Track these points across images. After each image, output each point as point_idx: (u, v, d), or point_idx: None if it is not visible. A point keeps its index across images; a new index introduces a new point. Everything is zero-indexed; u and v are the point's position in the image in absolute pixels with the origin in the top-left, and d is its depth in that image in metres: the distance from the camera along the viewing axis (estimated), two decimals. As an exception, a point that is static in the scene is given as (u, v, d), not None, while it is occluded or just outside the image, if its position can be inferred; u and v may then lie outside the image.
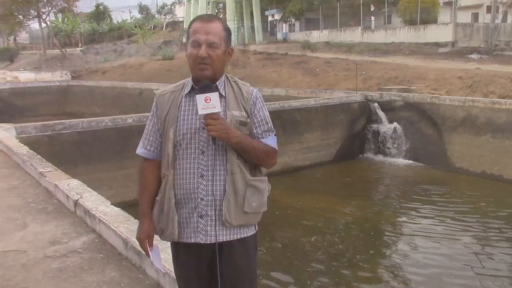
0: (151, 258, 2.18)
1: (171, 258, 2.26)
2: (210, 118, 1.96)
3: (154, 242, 2.21)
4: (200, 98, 1.96)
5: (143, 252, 2.20)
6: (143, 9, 66.74)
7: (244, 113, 2.09)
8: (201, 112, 1.96)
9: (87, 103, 25.43)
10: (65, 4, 37.20)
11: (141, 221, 2.18)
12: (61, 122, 9.55)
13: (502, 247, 7.76)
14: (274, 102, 12.90)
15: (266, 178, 2.18)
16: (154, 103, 2.21)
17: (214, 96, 1.96)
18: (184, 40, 32.85)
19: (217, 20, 2.10)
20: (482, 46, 26.00)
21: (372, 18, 41.11)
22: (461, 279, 6.66)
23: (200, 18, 2.09)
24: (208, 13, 34.96)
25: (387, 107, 14.11)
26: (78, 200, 4.92)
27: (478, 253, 7.53)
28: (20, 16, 35.87)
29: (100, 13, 63.70)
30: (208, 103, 1.95)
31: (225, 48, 2.09)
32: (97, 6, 64.98)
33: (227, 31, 2.10)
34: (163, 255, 3.40)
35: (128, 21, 59.89)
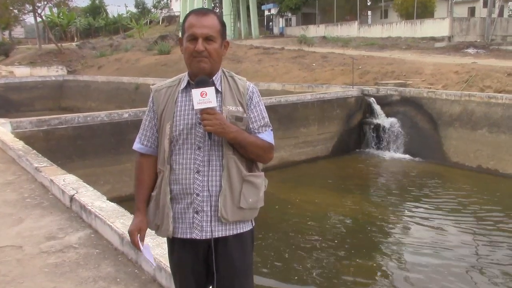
0: (142, 252, 2.16)
1: (167, 253, 2.26)
2: (206, 112, 1.95)
3: (146, 239, 2.20)
4: (196, 92, 1.95)
5: (134, 246, 2.19)
6: (139, 3, 66.50)
7: (240, 108, 2.08)
8: (197, 106, 1.95)
9: (82, 98, 25.37)
10: (61, -2, 37.01)
11: (135, 215, 2.19)
12: (57, 117, 9.51)
13: (497, 241, 7.79)
14: (270, 97, 12.88)
15: (263, 173, 2.17)
16: (151, 99, 2.20)
17: (210, 90, 1.95)
18: (180, 34, 32.73)
19: (212, 13, 2.08)
20: (478, 40, 26.02)
21: (369, 12, 41.14)
22: (457, 273, 6.68)
23: (195, 12, 2.07)
24: (205, 6, 34.91)
25: (384, 101, 14.12)
26: (74, 195, 4.90)
27: (474, 248, 7.57)
28: (15, 11, 35.63)
29: (96, 8, 63.51)
30: (204, 98, 1.94)
31: (221, 42, 2.08)
32: (93, 0, 64.72)
33: (223, 24, 2.10)
34: (159, 250, 3.42)
35: (124, 15, 59.69)
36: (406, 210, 9.47)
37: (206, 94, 1.94)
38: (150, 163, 2.19)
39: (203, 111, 1.96)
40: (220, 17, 2.11)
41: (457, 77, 14.77)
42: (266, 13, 45.16)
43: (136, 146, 2.23)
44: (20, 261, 3.76)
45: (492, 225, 8.52)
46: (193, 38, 2.01)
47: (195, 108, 1.96)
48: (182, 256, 2.13)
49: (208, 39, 2.01)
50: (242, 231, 2.12)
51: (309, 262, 7.07)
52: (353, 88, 14.83)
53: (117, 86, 23.86)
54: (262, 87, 16.42)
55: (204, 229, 2.05)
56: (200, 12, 2.07)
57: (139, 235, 2.14)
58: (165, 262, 3.18)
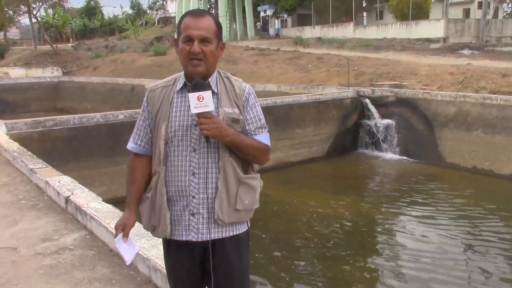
0: (117, 246, 2.14)
1: (163, 255, 2.25)
2: (202, 117, 1.94)
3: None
4: (192, 96, 1.93)
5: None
6: (134, 4, 66.41)
7: (236, 110, 2.08)
8: (194, 111, 1.94)
9: (78, 99, 25.32)
10: (56, -1, 36.96)
11: (124, 211, 2.19)
12: (52, 118, 9.48)
13: (492, 241, 7.81)
14: (266, 98, 12.89)
15: (258, 175, 2.17)
16: (145, 98, 2.19)
17: (207, 94, 1.94)
18: (175, 35, 32.75)
19: (208, 15, 2.07)
20: (473, 41, 26.13)
21: (364, 14, 41.23)
22: (453, 274, 6.69)
23: (191, 13, 2.07)
24: (200, 7, 34.90)
25: (379, 102, 14.14)
26: (69, 196, 4.89)
27: (469, 248, 7.59)
28: (10, 12, 35.52)
29: (91, 9, 63.38)
30: (201, 102, 1.93)
31: (217, 43, 2.07)
32: (88, 1, 64.61)
33: (219, 26, 2.09)
34: (154, 251, 3.42)
35: (120, 16, 59.60)
36: (401, 211, 9.48)
37: (203, 98, 1.93)
38: (143, 163, 2.19)
39: (200, 115, 1.95)
40: (216, 18, 2.10)
41: (452, 78, 14.81)
42: (262, 14, 45.21)
43: (130, 145, 2.23)
44: (15, 262, 3.75)
45: (487, 226, 8.53)
46: (189, 40, 2.00)
47: (192, 112, 1.95)
48: (177, 258, 2.13)
49: (204, 40, 2.00)
50: (238, 232, 2.12)
51: (305, 263, 7.07)
52: (348, 89, 14.85)
53: (113, 87, 23.83)
54: (258, 88, 16.43)
55: (200, 231, 2.04)
56: (196, 13, 2.06)
57: (124, 231, 2.13)
58: (160, 263, 3.18)
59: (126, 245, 2.13)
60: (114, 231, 3.82)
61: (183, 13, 2.20)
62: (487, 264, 6.99)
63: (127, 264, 2.15)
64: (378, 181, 11.89)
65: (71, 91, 26.38)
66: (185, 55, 2.02)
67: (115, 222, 2.20)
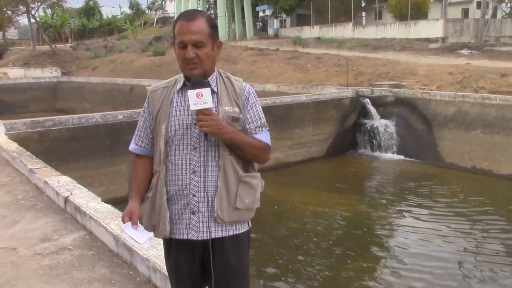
0: (125, 231, 2.04)
1: (163, 254, 2.25)
2: (202, 113, 1.95)
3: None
4: (191, 93, 1.94)
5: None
6: (133, 4, 66.33)
7: (236, 109, 2.08)
8: (193, 107, 1.95)
9: (77, 100, 25.31)
10: (55, -1, 36.94)
11: (128, 204, 2.15)
12: (51, 119, 9.47)
13: (491, 242, 7.81)
14: (265, 98, 12.88)
15: (259, 174, 2.17)
16: (147, 99, 2.20)
17: (206, 91, 1.94)
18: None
19: (201, 15, 2.04)
20: (472, 41, 26.15)
21: (363, 13, 41.25)
22: (452, 274, 6.70)
23: (183, 16, 2.04)
24: (199, 8, 34.88)
25: (378, 102, 14.14)
26: (68, 197, 4.88)
27: (468, 248, 7.58)
28: (9, 12, 35.49)
29: (90, 9, 63.31)
30: (200, 99, 1.94)
31: (212, 44, 2.06)
32: (87, 1, 64.56)
33: (212, 26, 2.06)
34: (154, 251, 3.41)
35: (119, 16, 59.55)
36: (401, 211, 9.48)
37: (202, 95, 1.94)
38: (145, 164, 2.19)
39: (199, 112, 1.95)
40: (210, 18, 2.08)
41: (451, 78, 14.82)
42: (261, 14, 45.21)
43: (131, 147, 2.24)
44: (14, 263, 3.74)
45: (486, 226, 8.54)
46: (183, 46, 2.00)
47: (191, 109, 1.96)
48: (178, 257, 2.13)
49: (197, 45, 2.00)
50: (238, 232, 2.11)
51: (305, 263, 7.07)
52: (347, 89, 14.86)
53: (112, 87, 23.83)
54: (257, 88, 16.42)
55: (200, 230, 2.04)
56: (188, 16, 2.03)
57: (131, 219, 2.04)
58: (160, 263, 3.18)
59: (136, 231, 2.06)
60: (112, 231, 3.85)
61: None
62: (486, 264, 6.99)
63: (140, 244, 2.10)
64: (377, 181, 11.89)
65: (70, 91, 26.37)
66: (182, 60, 2.03)
67: (115, 222, 2.19)
